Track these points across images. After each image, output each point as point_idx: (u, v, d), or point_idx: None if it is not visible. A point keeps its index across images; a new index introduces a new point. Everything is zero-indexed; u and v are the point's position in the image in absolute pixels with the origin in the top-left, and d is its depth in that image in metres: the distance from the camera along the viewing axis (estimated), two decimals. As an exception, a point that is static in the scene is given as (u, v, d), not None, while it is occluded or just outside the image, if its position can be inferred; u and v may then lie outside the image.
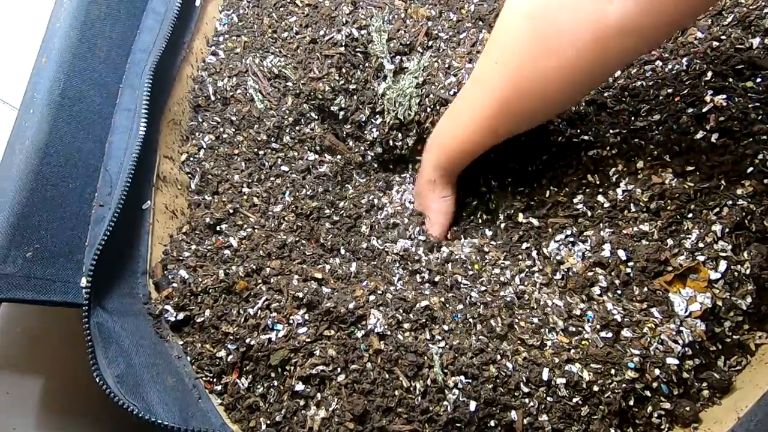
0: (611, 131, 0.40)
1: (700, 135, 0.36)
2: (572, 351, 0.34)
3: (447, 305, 0.37)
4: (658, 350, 0.33)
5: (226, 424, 0.34)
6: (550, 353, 0.34)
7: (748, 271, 0.34)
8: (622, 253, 0.35)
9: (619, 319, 0.34)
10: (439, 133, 0.40)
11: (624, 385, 0.32)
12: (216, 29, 0.51)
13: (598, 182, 0.39)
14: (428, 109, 0.46)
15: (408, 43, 0.47)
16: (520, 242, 0.41)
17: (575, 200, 0.40)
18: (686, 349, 0.33)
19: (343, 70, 0.46)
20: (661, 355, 0.33)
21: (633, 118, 0.40)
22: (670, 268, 0.34)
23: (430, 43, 0.47)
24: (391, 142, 0.48)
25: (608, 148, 0.40)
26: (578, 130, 0.42)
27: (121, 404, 0.31)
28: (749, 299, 0.34)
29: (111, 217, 0.36)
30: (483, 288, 0.39)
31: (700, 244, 0.34)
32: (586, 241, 0.37)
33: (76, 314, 0.34)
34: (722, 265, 0.34)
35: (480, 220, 0.46)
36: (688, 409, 0.33)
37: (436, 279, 0.40)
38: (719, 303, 0.34)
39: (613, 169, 0.39)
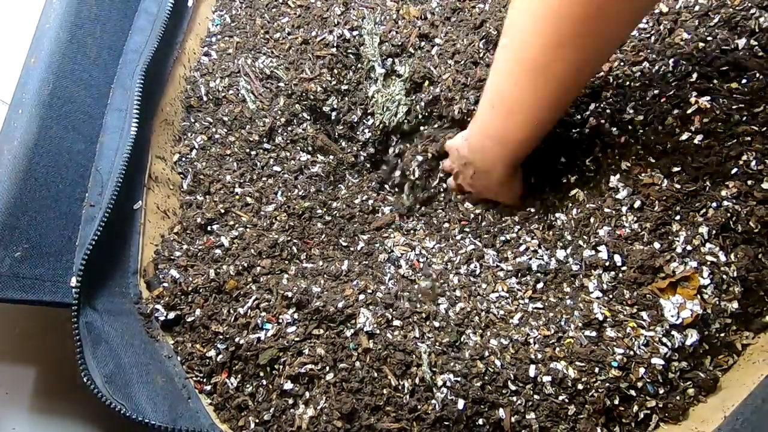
0: (598, 131, 0.41)
1: (685, 136, 0.37)
2: (557, 349, 0.34)
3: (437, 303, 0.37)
4: (643, 350, 0.33)
5: (215, 424, 0.35)
6: (534, 349, 0.34)
7: (735, 274, 0.35)
8: (618, 258, 0.36)
9: (601, 319, 0.34)
10: (499, 137, 0.38)
11: (608, 384, 0.33)
12: (209, 30, 0.51)
13: (584, 182, 0.40)
14: (419, 116, 0.46)
15: (400, 44, 0.47)
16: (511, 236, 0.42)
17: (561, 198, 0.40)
18: (674, 353, 0.34)
19: (335, 71, 0.47)
20: (646, 355, 0.33)
21: (620, 119, 0.40)
22: (662, 274, 0.34)
23: (422, 44, 0.48)
24: (384, 144, 0.48)
25: (596, 148, 0.40)
26: (567, 131, 0.42)
27: (108, 404, 0.31)
28: (736, 304, 0.34)
29: (102, 217, 0.36)
30: (478, 285, 0.39)
31: (689, 248, 0.35)
32: (584, 240, 0.37)
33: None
34: (710, 270, 0.34)
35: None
36: (678, 398, 0.34)
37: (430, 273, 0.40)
38: (708, 310, 0.34)
39: (601, 170, 0.39)
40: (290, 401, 0.34)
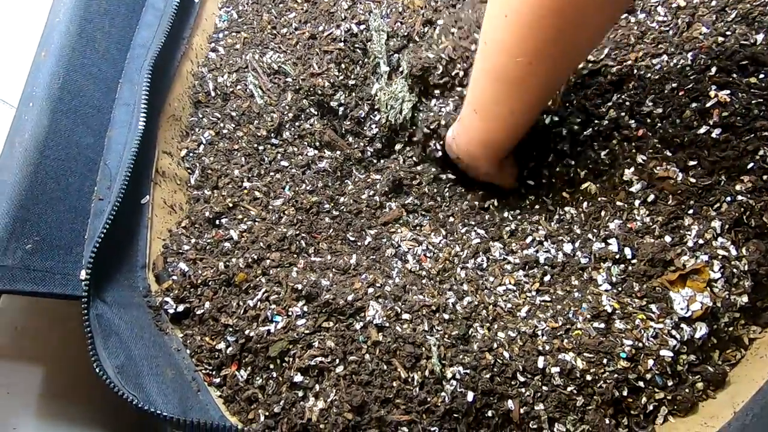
0: (617, 123, 0.41)
1: (702, 130, 0.37)
2: (566, 341, 0.34)
3: (445, 296, 0.38)
4: (652, 342, 0.33)
5: (224, 417, 0.35)
6: (542, 341, 0.34)
7: (746, 268, 0.35)
8: (628, 251, 0.36)
9: (610, 310, 0.34)
10: (481, 139, 0.40)
11: (616, 375, 0.33)
12: (216, 25, 0.51)
13: (596, 175, 0.40)
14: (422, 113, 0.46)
15: (406, 34, 0.47)
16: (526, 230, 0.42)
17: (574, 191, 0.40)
18: (683, 346, 0.34)
19: (343, 66, 0.47)
20: (655, 347, 0.33)
21: (638, 112, 0.40)
22: (673, 267, 0.35)
23: (426, 29, 0.48)
24: (390, 140, 0.48)
25: (613, 141, 0.40)
26: (584, 124, 0.42)
27: (120, 395, 0.31)
28: (746, 298, 0.34)
29: (110, 211, 0.36)
30: (488, 277, 0.39)
31: (700, 241, 0.35)
32: (594, 233, 0.37)
33: (75, 311, 0.34)
34: (721, 264, 0.34)
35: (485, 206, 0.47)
36: (687, 391, 0.34)
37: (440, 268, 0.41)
38: (718, 303, 0.34)
39: (615, 163, 0.39)
40: (300, 394, 0.34)
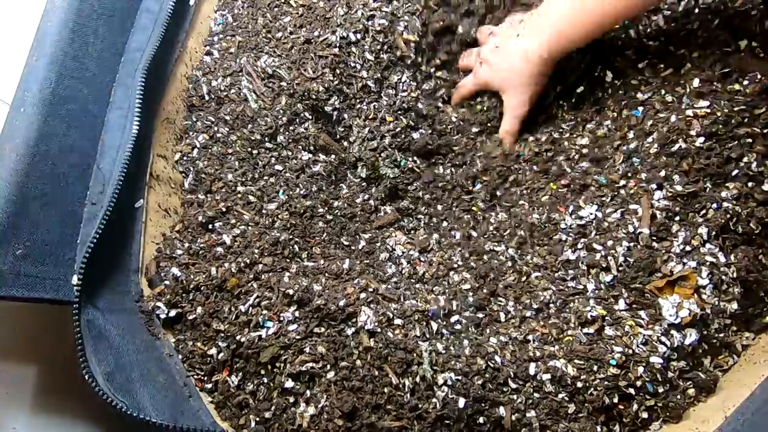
0: (600, 134, 0.41)
1: (686, 139, 0.37)
2: (556, 347, 0.34)
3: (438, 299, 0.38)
4: (642, 349, 0.33)
5: (216, 422, 0.35)
6: (533, 347, 0.34)
7: (734, 275, 0.35)
8: (616, 258, 0.36)
9: (599, 317, 0.34)
10: (555, 19, 0.41)
11: (607, 383, 0.33)
12: (211, 29, 0.51)
13: (584, 185, 0.40)
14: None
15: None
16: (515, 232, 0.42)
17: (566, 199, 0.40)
18: (673, 352, 0.34)
19: (337, 71, 0.47)
20: (645, 354, 0.33)
21: (621, 123, 0.40)
22: (660, 274, 0.35)
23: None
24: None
25: (594, 150, 0.40)
26: (570, 134, 0.43)
27: (109, 401, 0.31)
28: (735, 304, 0.35)
29: (103, 216, 0.36)
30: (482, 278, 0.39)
31: (687, 248, 0.35)
32: (581, 239, 0.38)
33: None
34: (709, 270, 0.34)
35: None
36: (678, 397, 0.34)
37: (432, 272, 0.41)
38: (707, 309, 0.34)
39: (603, 171, 0.39)
40: (291, 399, 0.34)
